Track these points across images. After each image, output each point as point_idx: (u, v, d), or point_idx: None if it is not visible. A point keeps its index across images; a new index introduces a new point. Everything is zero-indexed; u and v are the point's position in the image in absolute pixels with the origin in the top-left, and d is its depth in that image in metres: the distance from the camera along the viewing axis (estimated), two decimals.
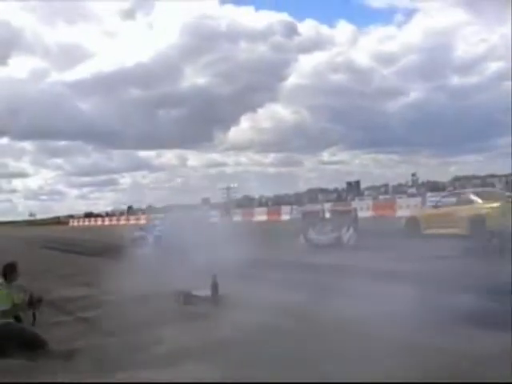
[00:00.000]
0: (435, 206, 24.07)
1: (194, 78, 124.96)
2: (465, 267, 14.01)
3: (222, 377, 6.99)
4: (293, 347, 8.10)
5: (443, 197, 26.39)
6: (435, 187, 53.26)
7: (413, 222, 23.64)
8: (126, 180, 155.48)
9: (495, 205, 20.33)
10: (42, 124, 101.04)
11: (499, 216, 18.89)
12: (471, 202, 21.54)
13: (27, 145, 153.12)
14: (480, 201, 21.25)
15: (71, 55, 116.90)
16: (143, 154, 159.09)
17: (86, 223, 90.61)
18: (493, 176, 53.65)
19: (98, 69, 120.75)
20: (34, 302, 8.54)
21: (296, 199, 53.49)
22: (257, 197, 71.95)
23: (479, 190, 29.09)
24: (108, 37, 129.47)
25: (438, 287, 11.50)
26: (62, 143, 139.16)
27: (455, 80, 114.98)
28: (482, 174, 55.57)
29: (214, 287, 12.03)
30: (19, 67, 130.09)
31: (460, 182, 54.94)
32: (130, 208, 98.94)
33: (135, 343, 8.90)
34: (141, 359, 7.98)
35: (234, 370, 7.27)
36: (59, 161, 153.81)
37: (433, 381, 6.36)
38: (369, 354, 7.44)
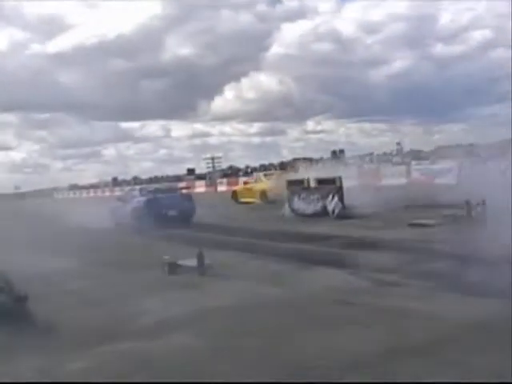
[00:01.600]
0: (245, 183, 35.18)
1: (177, 48, 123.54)
2: None
3: (210, 346, 6.98)
4: (279, 316, 8.12)
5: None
6: (419, 156, 53.35)
7: (234, 193, 34.76)
8: (110, 152, 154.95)
9: (272, 182, 31.61)
10: (24, 96, 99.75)
11: (273, 189, 29.62)
12: (262, 180, 34.06)
13: (10, 117, 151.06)
14: (264, 180, 33.74)
15: (52, 26, 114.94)
16: (127, 125, 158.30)
17: (71, 195, 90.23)
18: (476, 145, 53.77)
19: (80, 40, 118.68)
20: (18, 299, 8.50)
21: (281, 168, 53.39)
22: (242, 166, 71.99)
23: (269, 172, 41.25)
24: (89, 7, 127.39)
25: None
26: (45, 116, 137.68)
27: (440, 49, 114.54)
28: (465, 142, 55.63)
29: (200, 257, 12.02)
30: None
31: (443, 150, 55.02)
32: (114, 179, 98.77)
33: (118, 314, 8.88)
34: (126, 330, 7.96)
35: (221, 339, 7.26)
36: (43, 133, 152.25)
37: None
38: (353, 320, 7.52)
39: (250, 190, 34.03)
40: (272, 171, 43.21)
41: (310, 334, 7.09)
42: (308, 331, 7.22)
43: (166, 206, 22.99)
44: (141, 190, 26.50)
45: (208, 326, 7.84)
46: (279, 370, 5.96)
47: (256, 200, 32.14)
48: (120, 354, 6.90)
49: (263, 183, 33.52)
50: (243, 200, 33.32)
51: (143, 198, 23.88)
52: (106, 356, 6.87)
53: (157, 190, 26.08)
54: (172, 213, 22.83)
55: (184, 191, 27.64)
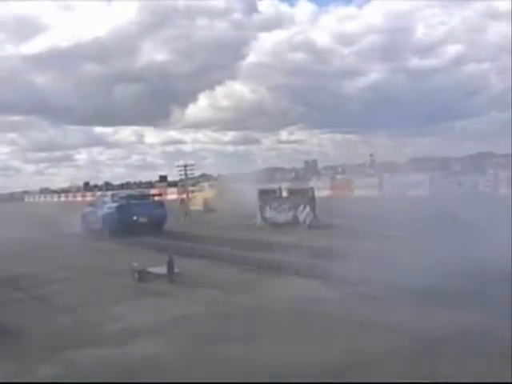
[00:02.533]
0: (192, 191, 37.84)
1: (152, 54, 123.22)
2: None
3: (177, 353, 7.05)
4: (246, 323, 8.23)
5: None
6: (392, 168, 53.86)
7: (183, 201, 34.57)
8: (82, 156, 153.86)
9: (212, 192, 36.48)
10: None
11: (213, 199, 34.82)
12: (205, 189, 38.31)
13: None
14: (208, 190, 38.02)
15: (26, 28, 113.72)
16: (100, 130, 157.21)
17: (42, 199, 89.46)
18: (449, 158, 54.36)
19: (54, 43, 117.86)
20: None
21: (254, 178, 53.57)
22: (215, 175, 71.92)
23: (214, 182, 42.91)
24: (64, 10, 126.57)
25: None
26: (17, 118, 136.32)
27: (414, 62, 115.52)
28: (439, 155, 56.27)
29: (170, 265, 12.08)
30: None
31: (417, 163, 55.65)
32: (86, 184, 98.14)
33: (87, 320, 8.93)
34: (93, 336, 7.99)
35: (188, 346, 7.34)
36: (14, 136, 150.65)
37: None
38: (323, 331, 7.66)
39: (194, 198, 36.66)
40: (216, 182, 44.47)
41: (276, 343, 7.23)
42: (274, 339, 7.36)
43: (138, 212, 22.83)
44: (112, 195, 26.27)
45: (176, 334, 7.93)
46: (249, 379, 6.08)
47: (199, 207, 35.10)
48: (87, 360, 6.95)
49: (206, 192, 37.55)
50: (193, 208, 34.59)
51: (115, 204, 23.75)
52: (72, 361, 6.93)
53: (129, 197, 25.84)
54: (143, 219, 22.72)
55: (156, 198, 27.51)
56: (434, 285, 9.44)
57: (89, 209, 26.06)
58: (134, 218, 22.51)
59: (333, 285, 10.41)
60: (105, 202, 24.78)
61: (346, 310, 8.63)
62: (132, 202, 24.11)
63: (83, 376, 6.44)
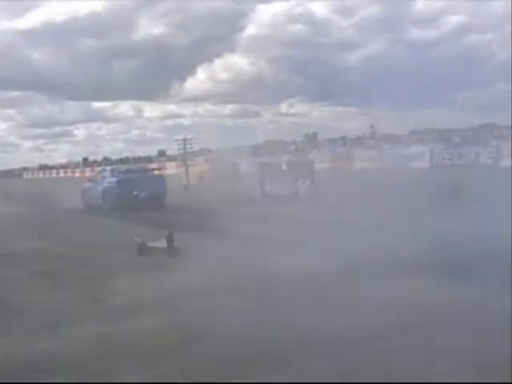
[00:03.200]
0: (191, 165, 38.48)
1: (149, 27, 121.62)
2: None
3: (177, 328, 7.10)
4: (247, 297, 8.25)
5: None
6: (393, 140, 53.72)
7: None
8: (80, 132, 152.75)
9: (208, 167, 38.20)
10: None
11: (208, 172, 36.43)
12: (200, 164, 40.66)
13: None
14: (203, 164, 40.62)
15: (21, 3, 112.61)
16: (98, 105, 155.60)
17: (41, 176, 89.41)
18: (450, 130, 54.09)
19: (50, 17, 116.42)
20: None
21: (253, 151, 53.46)
22: (214, 148, 71.76)
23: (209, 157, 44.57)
24: None
25: None
26: (14, 94, 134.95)
27: (415, 33, 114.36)
28: (440, 127, 56.02)
29: (170, 238, 12.11)
30: None
31: (417, 135, 55.47)
32: (85, 160, 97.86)
33: (86, 296, 8.92)
34: (92, 312, 8.02)
35: (189, 320, 7.37)
36: (11, 112, 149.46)
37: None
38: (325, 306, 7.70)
39: (192, 172, 37.73)
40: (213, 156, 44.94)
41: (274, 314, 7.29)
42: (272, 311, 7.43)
43: (138, 187, 22.75)
44: (112, 170, 26.24)
45: (175, 308, 7.97)
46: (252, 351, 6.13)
47: (194, 182, 35.50)
48: (86, 336, 6.99)
49: (202, 167, 39.16)
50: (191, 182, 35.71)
51: (114, 179, 23.73)
52: (72, 337, 6.98)
53: (128, 171, 25.83)
54: (143, 194, 22.63)
55: (156, 172, 27.33)
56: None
57: (88, 184, 25.99)
58: (135, 192, 22.45)
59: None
60: (104, 177, 24.71)
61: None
62: (132, 176, 24.11)
63: (82, 352, 6.46)
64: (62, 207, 23.89)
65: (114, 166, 37.39)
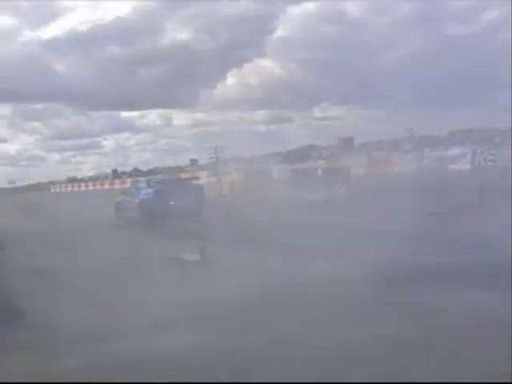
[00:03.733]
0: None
1: (176, 33, 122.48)
2: None
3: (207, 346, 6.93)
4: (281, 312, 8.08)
5: None
6: (431, 142, 53.16)
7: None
8: (108, 143, 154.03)
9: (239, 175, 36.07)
10: (16, 86, 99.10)
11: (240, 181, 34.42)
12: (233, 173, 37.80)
13: (2, 108, 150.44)
14: (235, 173, 37.59)
15: (44, 11, 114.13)
16: (125, 114, 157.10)
17: (69, 189, 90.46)
18: (492, 130, 53.31)
19: (74, 25, 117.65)
20: None
21: (287, 157, 53.40)
22: (246, 156, 71.92)
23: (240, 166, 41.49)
24: None
25: None
26: (40, 106, 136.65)
27: (452, 29, 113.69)
28: (481, 127, 55.26)
29: (203, 251, 12.05)
30: None
31: (457, 136, 54.80)
32: (114, 171, 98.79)
33: (114, 311, 8.87)
34: (120, 328, 7.93)
35: (227, 338, 7.23)
36: (37, 124, 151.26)
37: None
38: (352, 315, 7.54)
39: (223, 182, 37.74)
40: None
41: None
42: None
43: (176, 197, 22.21)
44: (148, 181, 25.85)
45: (204, 323, 7.85)
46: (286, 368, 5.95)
47: (226, 191, 34.81)
48: (111, 354, 6.88)
49: (233, 175, 37.92)
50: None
51: (151, 190, 23.38)
52: (97, 354, 6.84)
53: (165, 181, 25.43)
54: (182, 205, 21.91)
55: (193, 182, 26.91)
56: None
57: (122, 197, 25.81)
58: (172, 203, 21.92)
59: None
60: (140, 189, 24.42)
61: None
62: (169, 186, 23.73)
63: (106, 371, 6.35)
64: (96, 222, 23.79)
65: (149, 177, 36.80)
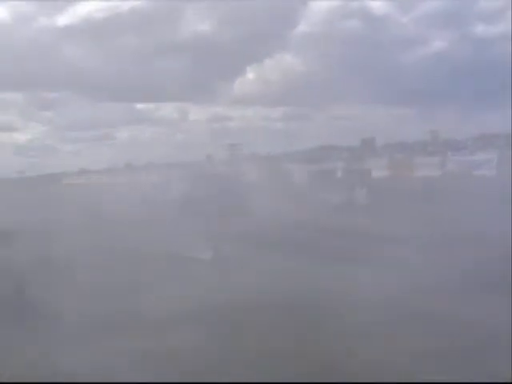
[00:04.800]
0: None
1: (195, 24, 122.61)
2: None
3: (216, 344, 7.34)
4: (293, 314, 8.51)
5: None
6: (456, 145, 53.18)
7: None
8: (122, 135, 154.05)
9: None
10: (30, 74, 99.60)
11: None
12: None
13: (15, 96, 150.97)
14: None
15: None
16: (141, 106, 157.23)
17: (81, 181, 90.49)
18: None
19: (90, 13, 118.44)
20: None
21: (306, 157, 53.72)
22: (264, 154, 72.08)
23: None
24: None
25: None
26: (53, 95, 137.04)
27: (480, 29, 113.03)
28: (508, 131, 55.07)
29: (215, 249, 12.52)
30: (2, 12, 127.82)
31: (483, 140, 54.72)
32: (128, 165, 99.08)
33: (126, 308, 9.24)
34: (131, 325, 8.34)
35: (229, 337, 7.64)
36: (50, 114, 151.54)
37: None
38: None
39: None
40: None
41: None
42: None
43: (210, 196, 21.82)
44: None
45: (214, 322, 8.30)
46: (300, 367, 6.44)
47: None
48: (123, 350, 7.35)
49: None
50: None
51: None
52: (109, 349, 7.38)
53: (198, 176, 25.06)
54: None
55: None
56: None
57: (150, 191, 25.46)
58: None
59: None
60: (170, 182, 24.67)
61: None
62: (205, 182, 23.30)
63: (117, 367, 6.71)
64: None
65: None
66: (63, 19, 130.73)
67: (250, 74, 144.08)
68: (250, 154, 62.18)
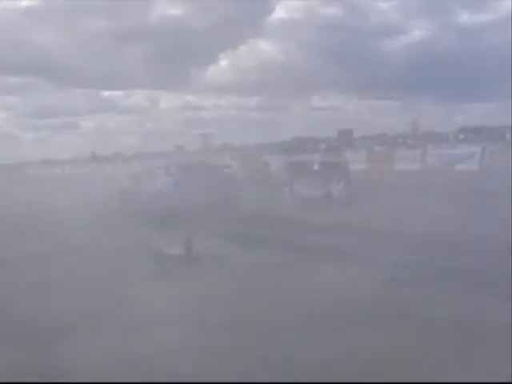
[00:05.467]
0: None
1: (166, 8, 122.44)
2: None
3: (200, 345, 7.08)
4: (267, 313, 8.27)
5: None
6: (437, 138, 53.31)
7: None
8: (88, 123, 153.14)
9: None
10: None
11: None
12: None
13: None
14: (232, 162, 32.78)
15: None
16: (108, 94, 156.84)
17: (44, 171, 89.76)
18: (505, 127, 53.16)
19: None
20: None
21: (282, 148, 53.53)
22: (238, 145, 71.82)
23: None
24: None
25: None
26: (15, 80, 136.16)
27: (465, 17, 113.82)
28: (492, 124, 55.34)
29: (188, 245, 12.09)
30: None
31: (466, 133, 54.97)
32: (93, 155, 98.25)
33: (97, 306, 8.98)
34: (101, 324, 8.09)
35: (212, 336, 7.38)
36: (11, 99, 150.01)
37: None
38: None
39: None
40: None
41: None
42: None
43: (205, 189, 19.37)
44: (167, 167, 22.61)
45: (189, 323, 7.97)
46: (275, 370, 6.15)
47: None
48: (92, 351, 7.04)
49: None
50: None
51: (171, 179, 20.60)
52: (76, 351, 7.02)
53: (189, 168, 21.93)
54: (212, 199, 19.03)
55: (226, 171, 23.72)
56: None
57: (130, 184, 23.14)
58: (200, 197, 18.77)
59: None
60: (156, 176, 21.70)
61: None
62: (193, 175, 20.66)
63: (86, 369, 6.52)
64: (96, 213, 21.41)
65: (168, 161, 27.24)
66: (26, 1, 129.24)
67: (224, 62, 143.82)
68: (222, 144, 62.07)
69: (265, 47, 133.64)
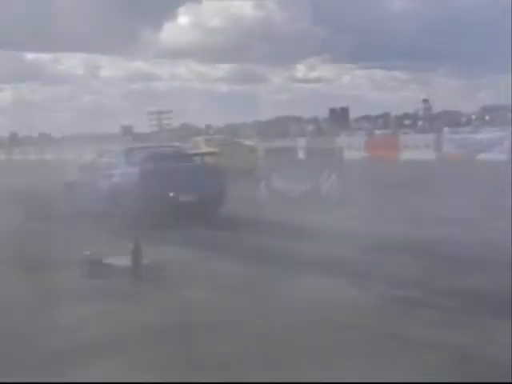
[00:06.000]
0: None
1: None
2: None
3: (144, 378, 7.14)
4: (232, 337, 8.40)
5: None
6: (456, 120, 53.61)
7: None
8: (6, 94, 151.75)
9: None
10: None
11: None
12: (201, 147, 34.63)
13: None
14: (204, 146, 34.43)
15: None
16: (33, 57, 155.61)
17: None
18: None
19: None
20: None
21: (258, 131, 53.62)
22: (203, 126, 71.45)
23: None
24: None
25: None
26: None
27: None
28: None
29: (136, 254, 12.09)
30: None
31: (491, 113, 55.22)
32: (13, 136, 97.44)
33: (19, 335, 8.95)
34: (27, 357, 8.04)
35: (158, 370, 7.43)
36: None
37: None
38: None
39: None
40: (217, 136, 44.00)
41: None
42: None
43: (177, 184, 18.70)
44: (128, 152, 20.97)
45: (137, 354, 8.06)
46: None
47: None
48: None
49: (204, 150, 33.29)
50: None
51: (135, 169, 19.10)
52: None
53: (158, 156, 20.41)
54: (187, 197, 18.56)
55: (207, 160, 22.51)
56: None
57: (81, 176, 21.82)
58: (171, 194, 18.32)
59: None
60: (115, 166, 20.13)
61: None
62: (167, 165, 19.45)
63: None
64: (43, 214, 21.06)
65: (131, 146, 25.86)
66: None
67: (183, 19, 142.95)
68: (181, 125, 61.77)
69: (237, 2, 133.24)
